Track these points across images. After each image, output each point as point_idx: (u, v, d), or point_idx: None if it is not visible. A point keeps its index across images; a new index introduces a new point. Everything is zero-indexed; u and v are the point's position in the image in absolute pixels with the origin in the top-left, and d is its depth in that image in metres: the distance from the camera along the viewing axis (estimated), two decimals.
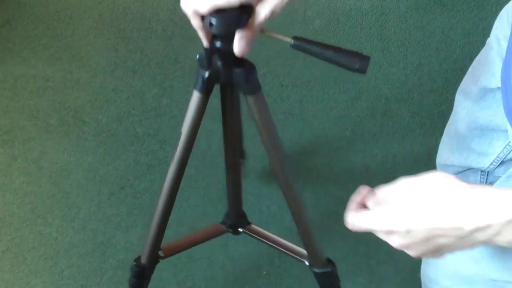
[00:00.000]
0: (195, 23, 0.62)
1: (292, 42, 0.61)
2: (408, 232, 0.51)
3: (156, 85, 1.38)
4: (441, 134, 1.13)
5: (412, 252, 0.54)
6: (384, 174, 1.28)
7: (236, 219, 0.98)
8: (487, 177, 1.04)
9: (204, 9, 0.58)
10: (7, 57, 1.42)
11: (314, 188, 1.26)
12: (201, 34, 0.63)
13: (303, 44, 0.62)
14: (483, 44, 0.89)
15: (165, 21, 1.47)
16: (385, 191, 0.54)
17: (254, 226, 1.02)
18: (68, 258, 1.20)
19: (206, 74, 0.70)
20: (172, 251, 1.00)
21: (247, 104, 0.72)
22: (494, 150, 0.94)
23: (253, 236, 1.04)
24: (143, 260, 0.96)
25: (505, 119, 0.70)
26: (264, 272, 1.19)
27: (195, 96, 0.74)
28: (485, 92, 0.86)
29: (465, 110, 0.93)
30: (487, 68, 0.85)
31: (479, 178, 1.04)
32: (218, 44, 0.63)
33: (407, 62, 1.41)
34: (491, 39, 0.86)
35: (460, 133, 0.99)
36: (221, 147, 0.79)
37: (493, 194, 0.46)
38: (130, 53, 1.43)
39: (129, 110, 1.36)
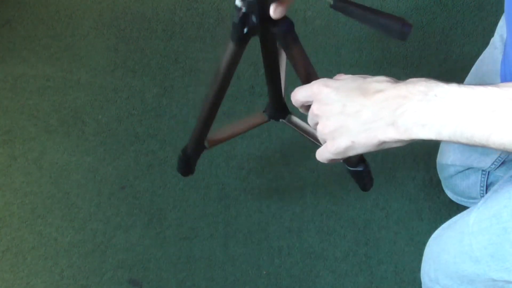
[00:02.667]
0: None
1: (332, 2, 0.61)
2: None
3: (156, 85, 1.38)
4: None
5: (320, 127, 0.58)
6: (384, 174, 1.28)
7: (277, 110, 0.99)
8: (488, 176, 1.04)
9: None
10: (7, 57, 1.42)
11: (314, 188, 1.26)
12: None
13: (343, 5, 0.61)
14: (483, 44, 0.89)
15: (165, 21, 1.47)
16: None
17: (294, 118, 1.03)
18: (68, 258, 1.20)
19: (245, 29, 0.70)
20: (217, 141, 1.02)
21: (287, 55, 0.76)
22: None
23: (292, 127, 1.03)
24: (189, 150, 1.01)
25: None
26: (264, 272, 1.19)
27: (231, 46, 0.75)
28: None
29: None
30: (491, 67, 0.85)
31: (479, 178, 1.05)
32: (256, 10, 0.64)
33: (407, 62, 1.41)
34: (495, 38, 0.86)
35: None
36: None
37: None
38: (130, 53, 1.43)
39: (129, 110, 1.36)
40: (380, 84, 0.55)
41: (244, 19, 0.69)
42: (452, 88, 0.50)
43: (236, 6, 0.70)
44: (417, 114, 0.51)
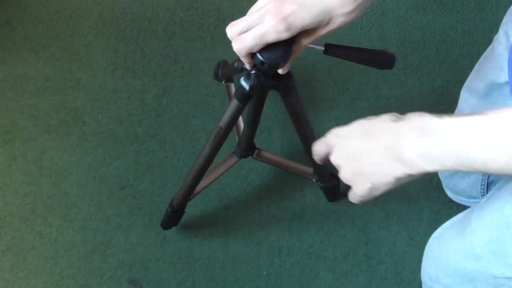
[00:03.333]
0: (246, 60, 0.68)
1: (324, 49, 0.67)
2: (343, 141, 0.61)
3: (156, 85, 1.38)
4: None
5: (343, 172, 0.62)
6: None
7: (247, 148, 1.07)
8: (488, 175, 1.04)
9: (257, 44, 0.63)
10: (7, 57, 1.42)
11: (314, 188, 1.26)
12: (247, 63, 0.70)
13: (334, 49, 0.67)
14: (483, 44, 0.89)
15: (165, 21, 1.47)
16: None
17: (263, 152, 1.12)
18: (68, 258, 1.20)
19: (247, 89, 0.75)
20: (198, 192, 1.13)
21: (285, 102, 0.84)
22: None
23: (263, 161, 1.14)
24: (176, 205, 1.10)
25: None
26: (264, 272, 1.19)
27: (234, 103, 0.81)
28: (492, 88, 0.86)
29: (470, 106, 0.94)
30: (494, 63, 0.85)
31: (480, 176, 1.05)
32: (263, 68, 0.67)
33: (407, 62, 1.41)
34: (500, 35, 0.86)
35: None
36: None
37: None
38: (130, 53, 1.43)
39: (129, 110, 1.36)
40: (382, 124, 0.58)
41: (255, 82, 0.72)
42: (444, 122, 0.53)
43: (236, 68, 0.77)
44: (419, 150, 0.54)
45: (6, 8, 1.48)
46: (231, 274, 1.19)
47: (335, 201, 1.24)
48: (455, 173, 1.08)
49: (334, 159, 0.63)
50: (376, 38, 1.44)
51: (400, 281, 1.18)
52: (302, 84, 1.39)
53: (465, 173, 1.07)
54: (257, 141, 1.23)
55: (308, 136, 0.96)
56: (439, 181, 1.19)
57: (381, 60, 0.70)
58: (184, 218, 1.24)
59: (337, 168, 0.64)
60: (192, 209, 1.25)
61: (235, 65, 0.78)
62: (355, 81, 1.39)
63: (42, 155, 1.31)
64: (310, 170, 1.14)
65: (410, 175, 0.56)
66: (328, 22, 0.63)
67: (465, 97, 0.97)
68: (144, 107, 1.36)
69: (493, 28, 0.88)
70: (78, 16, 1.48)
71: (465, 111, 0.97)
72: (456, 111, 1.00)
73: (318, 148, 0.67)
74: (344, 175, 0.62)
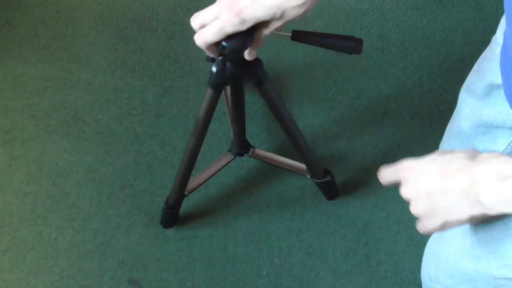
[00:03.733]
0: (210, 51, 0.72)
1: (291, 35, 0.69)
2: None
3: (156, 85, 1.38)
4: (441, 134, 1.13)
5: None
6: None
7: (241, 146, 1.10)
8: None
9: (216, 38, 0.69)
10: (7, 57, 1.42)
11: (314, 188, 1.26)
12: (212, 53, 0.73)
13: (300, 35, 0.69)
14: (483, 44, 0.89)
15: (165, 21, 1.47)
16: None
17: (258, 150, 1.15)
18: (68, 258, 1.20)
19: (220, 78, 0.80)
20: (194, 188, 1.14)
21: (260, 93, 0.85)
22: (498, 147, 0.94)
23: (258, 159, 1.16)
24: (171, 202, 1.12)
25: (510, 116, 0.71)
26: (264, 272, 1.19)
27: (210, 93, 0.84)
28: (491, 88, 0.86)
29: (469, 107, 0.93)
30: (493, 64, 0.85)
31: None
32: (226, 53, 0.71)
33: (407, 62, 1.41)
34: (497, 35, 0.86)
35: (463, 130, 0.99)
36: None
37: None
38: (130, 53, 1.43)
39: (129, 110, 1.36)
40: (458, 162, 0.58)
41: (221, 66, 0.77)
42: None
43: (207, 57, 0.79)
44: (498, 196, 0.53)
45: (6, 8, 1.48)
46: (231, 274, 1.19)
47: (334, 199, 1.25)
48: None
49: (405, 193, 0.63)
50: (376, 38, 1.44)
51: (400, 281, 1.18)
52: (302, 84, 1.39)
53: None
54: (256, 140, 1.24)
55: (291, 128, 0.98)
56: None
57: (348, 45, 0.70)
58: (184, 218, 1.24)
59: (407, 201, 0.63)
60: (192, 209, 1.25)
61: (206, 55, 0.81)
62: (355, 81, 1.39)
63: (42, 155, 1.31)
64: (304, 167, 1.15)
65: (487, 215, 0.56)
66: (281, 15, 0.65)
67: (464, 97, 0.97)
68: (144, 107, 1.36)
69: (493, 28, 0.88)
70: (78, 16, 1.48)
71: (464, 111, 0.97)
72: (455, 112, 1.00)
73: (387, 176, 0.67)
74: (415, 211, 0.61)
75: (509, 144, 0.92)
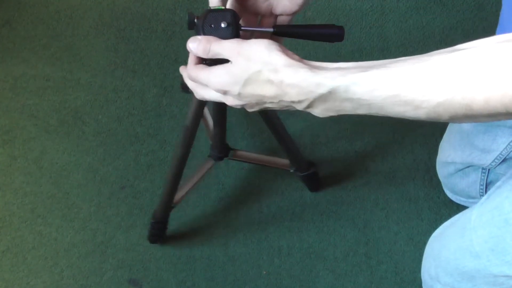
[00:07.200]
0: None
1: (273, 30, 0.68)
2: (239, 94, 0.57)
3: (156, 85, 1.38)
4: (441, 134, 1.13)
5: (243, 107, 0.61)
6: (384, 174, 1.28)
7: (222, 150, 1.08)
8: (488, 174, 1.04)
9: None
10: (7, 57, 1.42)
11: None
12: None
13: (282, 29, 0.68)
14: None
15: (165, 21, 1.47)
16: (221, 46, 0.59)
17: (238, 152, 1.14)
18: (68, 258, 1.20)
19: None
20: (180, 199, 1.12)
21: None
22: (498, 146, 0.94)
23: (240, 160, 1.16)
24: (159, 215, 1.11)
25: None
26: (264, 272, 1.19)
27: (194, 99, 0.83)
28: None
29: None
30: None
31: (479, 176, 1.05)
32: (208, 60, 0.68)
33: None
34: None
35: (464, 129, 0.99)
36: None
37: (306, 74, 0.55)
38: (130, 53, 1.43)
39: (129, 110, 1.36)
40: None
41: None
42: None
43: (182, 85, 0.76)
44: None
45: (6, 8, 1.48)
46: (231, 274, 1.19)
47: (317, 190, 1.25)
48: (455, 172, 1.08)
49: (230, 102, 0.62)
50: (376, 38, 1.44)
51: (400, 281, 1.18)
52: None
53: (465, 173, 1.07)
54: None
55: (278, 128, 0.98)
56: (439, 181, 1.19)
57: (329, 33, 0.71)
58: (184, 218, 1.24)
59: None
60: (192, 209, 1.25)
61: (181, 83, 0.79)
62: None
63: (42, 155, 1.31)
64: (287, 162, 1.15)
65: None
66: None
67: None
68: (144, 107, 1.36)
69: (493, 28, 0.88)
70: (78, 16, 1.48)
71: None
72: None
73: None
74: (244, 107, 0.62)
75: (509, 143, 0.93)
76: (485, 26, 1.44)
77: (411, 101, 0.50)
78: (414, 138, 1.32)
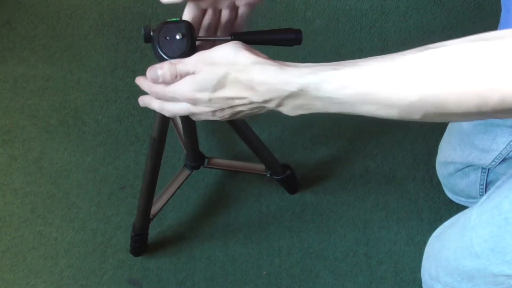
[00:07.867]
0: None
1: (232, 37, 0.68)
2: (210, 100, 0.57)
3: None
4: (441, 134, 1.13)
5: (215, 117, 0.61)
6: (384, 174, 1.28)
7: (196, 158, 1.09)
8: (487, 174, 1.04)
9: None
10: (7, 57, 1.42)
11: (314, 188, 1.26)
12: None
13: (240, 36, 0.69)
14: None
15: None
16: (185, 64, 0.59)
17: (213, 159, 1.15)
18: (68, 258, 1.20)
19: None
20: (158, 211, 1.13)
21: None
22: (498, 146, 0.94)
23: (216, 168, 1.17)
24: (138, 228, 1.10)
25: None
26: (264, 272, 1.19)
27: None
28: None
29: None
30: None
31: (479, 175, 1.05)
32: None
33: None
34: None
35: (464, 129, 0.99)
36: None
37: (275, 71, 0.54)
38: (130, 53, 1.43)
39: (129, 110, 1.36)
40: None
41: None
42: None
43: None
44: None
45: (6, 8, 1.48)
46: (231, 274, 1.19)
47: (295, 192, 1.25)
48: (454, 172, 1.08)
49: (201, 111, 0.62)
50: (376, 38, 1.44)
51: (400, 281, 1.18)
52: None
53: (464, 173, 1.07)
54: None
55: (247, 135, 0.98)
56: (439, 181, 1.19)
57: (286, 37, 0.70)
58: (184, 218, 1.24)
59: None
60: (192, 209, 1.25)
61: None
62: None
63: (42, 155, 1.31)
64: (262, 167, 1.15)
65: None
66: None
67: None
68: (144, 107, 1.36)
69: (493, 28, 0.88)
70: (78, 16, 1.48)
71: None
72: None
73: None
74: (216, 118, 0.62)
75: (508, 143, 0.93)
76: (485, 26, 1.43)
77: (382, 99, 0.50)
78: (414, 138, 1.32)
